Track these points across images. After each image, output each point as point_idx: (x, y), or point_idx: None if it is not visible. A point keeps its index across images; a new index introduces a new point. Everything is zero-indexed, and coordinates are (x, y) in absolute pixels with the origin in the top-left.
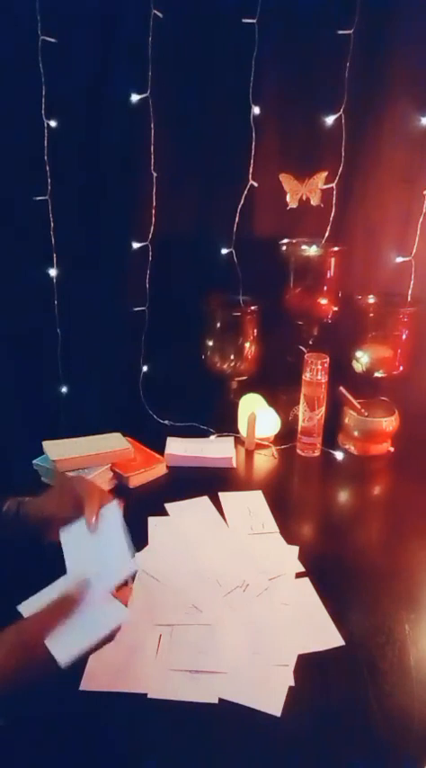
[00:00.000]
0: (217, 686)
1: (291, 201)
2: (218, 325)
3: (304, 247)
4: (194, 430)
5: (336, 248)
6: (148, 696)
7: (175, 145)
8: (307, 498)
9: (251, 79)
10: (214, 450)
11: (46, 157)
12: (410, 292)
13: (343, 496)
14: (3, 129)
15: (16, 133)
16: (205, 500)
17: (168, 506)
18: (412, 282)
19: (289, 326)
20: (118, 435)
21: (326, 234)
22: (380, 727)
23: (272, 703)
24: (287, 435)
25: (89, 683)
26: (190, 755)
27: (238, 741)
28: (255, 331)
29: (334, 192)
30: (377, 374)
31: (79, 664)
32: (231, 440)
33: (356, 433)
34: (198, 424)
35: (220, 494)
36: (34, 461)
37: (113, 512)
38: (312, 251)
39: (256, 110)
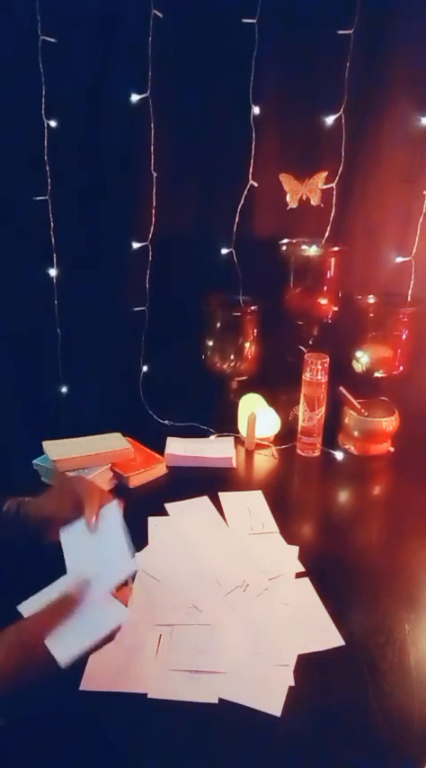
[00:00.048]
0: (217, 686)
1: (291, 201)
2: (218, 325)
3: (304, 247)
4: (194, 430)
5: (336, 248)
6: (148, 696)
7: (175, 145)
8: (307, 498)
9: (251, 79)
10: (214, 450)
11: (46, 157)
12: (410, 292)
13: (343, 496)
14: (3, 129)
15: (16, 133)
16: (205, 500)
17: (168, 506)
18: (412, 282)
19: (289, 326)
20: (118, 435)
21: (326, 234)
22: (380, 727)
23: (272, 703)
24: (287, 435)
25: (89, 683)
26: (190, 755)
27: (238, 741)
28: (255, 331)
29: (334, 192)
30: (377, 374)
31: (79, 664)
32: (231, 440)
33: (356, 433)
34: (198, 424)
35: (220, 494)
36: (34, 461)
37: (113, 512)
38: (312, 251)
39: (256, 110)
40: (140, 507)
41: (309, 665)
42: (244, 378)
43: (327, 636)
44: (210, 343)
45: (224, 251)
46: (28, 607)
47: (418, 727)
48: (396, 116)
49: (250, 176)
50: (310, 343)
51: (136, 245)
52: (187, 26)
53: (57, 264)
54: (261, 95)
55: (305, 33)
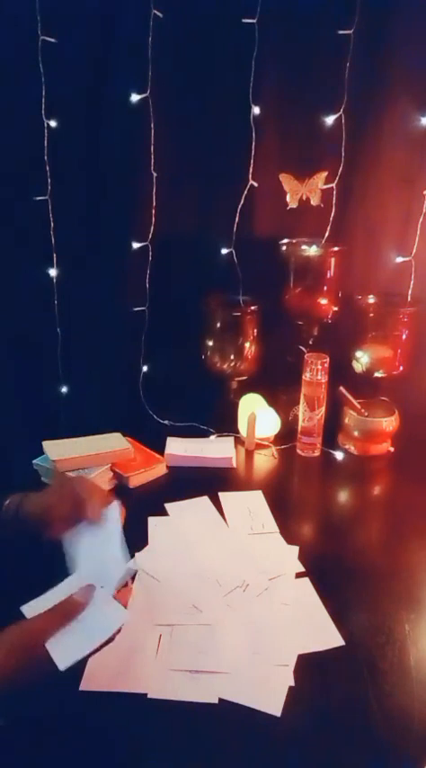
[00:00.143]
0: (217, 686)
1: (291, 201)
2: (218, 325)
3: (304, 247)
4: (194, 430)
5: (336, 248)
6: (148, 696)
7: (175, 145)
8: (307, 498)
9: (251, 79)
10: (214, 450)
11: (46, 157)
12: (410, 292)
13: (343, 496)
14: (3, 129)
15: (16, 133)
16: (205, 500)
17: (168, 506)
18: (412, 282)
19: (289, 326)
20: (118, 435)
21: (326, 234)
22: (380, 727)
23: (272, 703)
24: (287, 435)
25: (89, 683)
26: (190, 755)
27: (238, 741)
28: (255, 331)
29: (334, 192)
30: (377, 374)
31: (79, 664)
32: (231, 440)
33: (356, 433)
34: (198, 424)
35: (220, 494)
36: (34, 461)
37: (114, 514)
38: (312, 251)
39: (256, 110)
40: (140, 507)
41: (309, 665)
42: (244, 378)
43: (327, 636)
44: (210, 343)
45: (224, 251)
46: (32, 608)
47: (418, 727)
48: (396, 116)
49: (250, 176)
50: (310, 343)
51: (136, 245)
52: (187, 26)
53: (57, 264)
54: (261, 95)
55: (305, 33)
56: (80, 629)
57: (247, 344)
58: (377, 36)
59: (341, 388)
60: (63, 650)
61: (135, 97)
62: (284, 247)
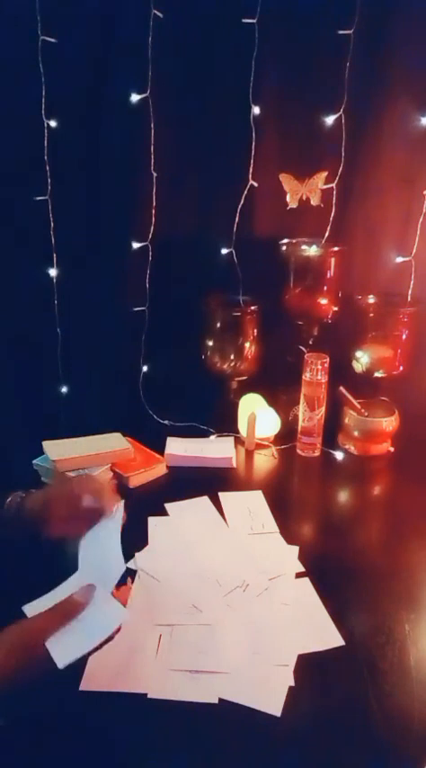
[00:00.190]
0: (217, 686)
1: (291, 201)
2: (218, 325)
3: (304, 247)
4: (194, 430)
5: (336, 248)
6: (148, 696)
7: (175, 145)
8: (307, 498)
9: (251, 79)
10: (214, 450)
11: (46, 157)
12: (410, 292)
13: (343, 496)
14: (3, 129)
15: (16, 133)
16: (205, 500)
17: (168, 506)
18: (412, 282)
19: (289, 326)
20: (118, 435)
21: (326, 234)
22: (380, 727)
23: (272, 703)
24: (287, 435)
25: (89, 683)
26: (190, 755)
27: (238, 741)
28: (255, 331)
29: (334, 192)
30: (377, 374)
31: (79, 664)
32: (231, 440)
33: (356, 433)
34: (198, 424)
35: (220, 494)
36: (34, 461)
37: (118, 513)
38: (312, 251)
39: (256, 110)
40: (140, 507)
41: (309, 665)
42: (244, 378)
43: (327, 636)
44: (210, 343)
45: (224, 251)
46: (33, 608)
47: (418, 727)
48: (396, 116)
49: (250, 176)
50: (310, 343)
51: (136, 245)
52: (187, 26)
53: (57, 264)
54: (261, 95)
55: (305, 33)
56: (80, 628)
57: (247, 344)
58: (377, 36)
59: (341, 388)
60: (62, 649)
61: (135, 97)
62: (284, 247)
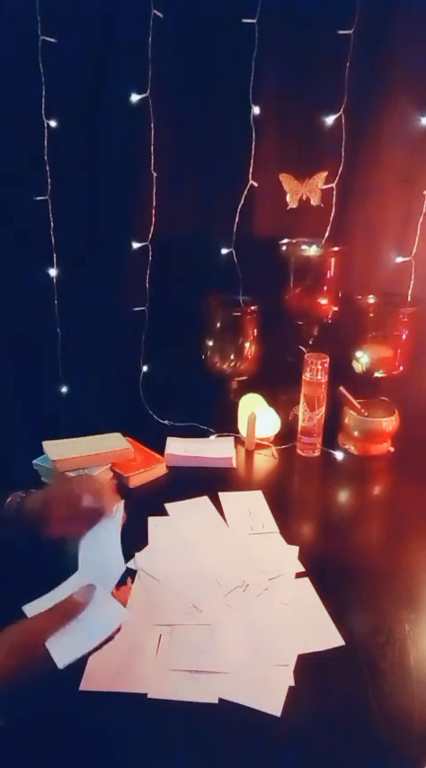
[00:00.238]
0: (217, 686)
1: (291, 201)
2: (218, 325)
3: (304, 247)
4: (194, 430)
5: (336, 248)
6: (148, 696)
7: (175, 145)
8: (307, 498)
9: (251, 79)
10: (214, 450)
11: (46, 157)
12: (410, 292)
13: (343, 496)
14: (3, 129)
15: (16, 133)
16: (205, 500)
17: (168, 506)
18: (412, 282)
19: (289, 326)
20: (118, 435)
21: (326, 234)
22: (380, 727)
23: (272, 703)
24: (287, 435)
25: (89, 683)
26: (190, 755)
27: (238, 741)
28: (255, 331)
29: (334, 192)
30: (377, 374)
31: (79, 664)
32: (231, 440)
33: (356, 433)
34: (198, 424)
35: (220, 494)
36: (34, 461)
37: (118, 513)
38: (312, 251)
39: (256, 110)
40: (140, 507)
41: (309, 665)
42: (244, 378)
43: (327, 636)
44: (210, 343)
45: (224, 251)
46: (34, 608)
47: (418, 727)
48: (396, 116)
49: (250, 176)
50: (310, 343)
51: (136, 245)
52: (187, 26)
53: (57, 264)
54: (261, 95)
55: (305, 33)
56: (79, 628)
57: (247, 344)
58: (377, 36)
59: (341, 388)
60: (62, 649)
61: (135, 97)
62: (284, 247)
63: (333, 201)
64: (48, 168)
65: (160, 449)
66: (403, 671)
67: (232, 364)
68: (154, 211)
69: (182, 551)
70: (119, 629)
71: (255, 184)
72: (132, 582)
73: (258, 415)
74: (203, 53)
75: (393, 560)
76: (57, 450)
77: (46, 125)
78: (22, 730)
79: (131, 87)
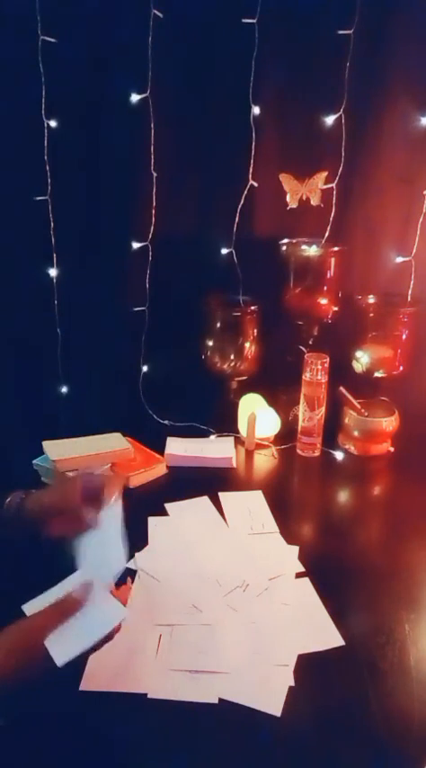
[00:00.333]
0: (217, 686)
1: (291, 201)
2: (218, 325)
3: (304, 247)
4: (194, 430)
5: (336, 248)
6: (148, 696)
7: (175, 145)
8: (307, 498)
9: (251, 79)
10: (214, 450)
11: (46, 157)
12: (410, 292)
13: (343, 496)
14: (3, 129)
15: (16, 133)
16: (205, 500)
17: (168, 506)
18: (412, 282)
19: (289, 326)
20: (118, 435)
21: (326, 234)
22: (380, 728)
23: (272, 703)
24: (287, 435)
25: (89, 683)
26: (190, 755)
27: (238, 741)
28: (255, 331)
29: (334, 192)
30: (377, 374)
31: (79, 664)
32: (231, 440)
33: (356, 433)
34: (198, 424)
35: (220, 494)
36: (34, 461)
37: (116, 510)
38: (312, 251)
39: (256, 110)
40: (140, 507)
41: (309, 665)
42: (244, 378)
43: (327, 636)
44: (210, 343)
45: (224, 251)
46: (33, 607)
47: (418, 727)
48: (396, 116)
49: (250, 176)
50: (310, 343)
51: (136, 245)
52: (187, 26)
53: (57, 264)
54: (261, 95)
55: (305, 33)
56: (78, 626)
57: (247, 344)
58: (377, 36)
59: (341, 388)
60: (61, 647)
61: (135, 97)
62: (284, 247)
63: (333, 201)
64: (48, 168)
65: (160, 449)
66: (403, 671)
67: (232, 364)
68: (154, 211)
69: (182, 551)
70: (118, 629)
71: (255, 184)
72: (132, 582)
73: (258, 415)
74: (203, 53)
75: (393, 560)
76: (57, 450)
77: (46, 125)
78: (22, 730)
79: (131, 87)
